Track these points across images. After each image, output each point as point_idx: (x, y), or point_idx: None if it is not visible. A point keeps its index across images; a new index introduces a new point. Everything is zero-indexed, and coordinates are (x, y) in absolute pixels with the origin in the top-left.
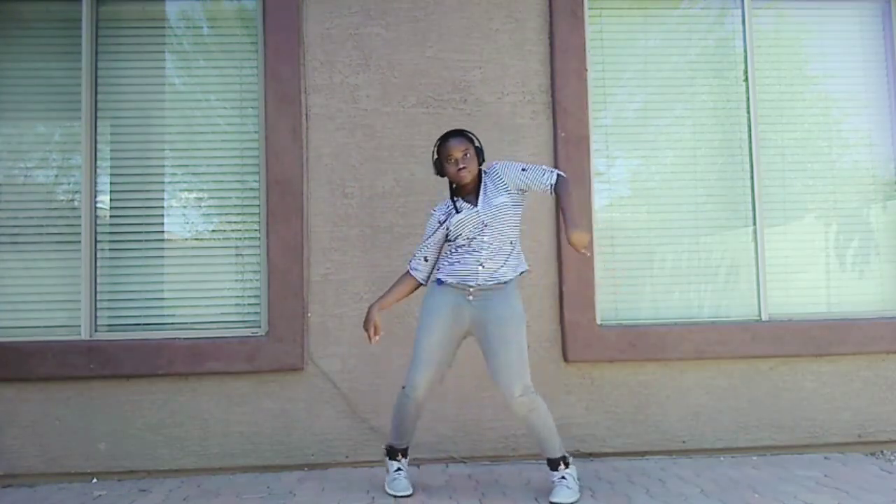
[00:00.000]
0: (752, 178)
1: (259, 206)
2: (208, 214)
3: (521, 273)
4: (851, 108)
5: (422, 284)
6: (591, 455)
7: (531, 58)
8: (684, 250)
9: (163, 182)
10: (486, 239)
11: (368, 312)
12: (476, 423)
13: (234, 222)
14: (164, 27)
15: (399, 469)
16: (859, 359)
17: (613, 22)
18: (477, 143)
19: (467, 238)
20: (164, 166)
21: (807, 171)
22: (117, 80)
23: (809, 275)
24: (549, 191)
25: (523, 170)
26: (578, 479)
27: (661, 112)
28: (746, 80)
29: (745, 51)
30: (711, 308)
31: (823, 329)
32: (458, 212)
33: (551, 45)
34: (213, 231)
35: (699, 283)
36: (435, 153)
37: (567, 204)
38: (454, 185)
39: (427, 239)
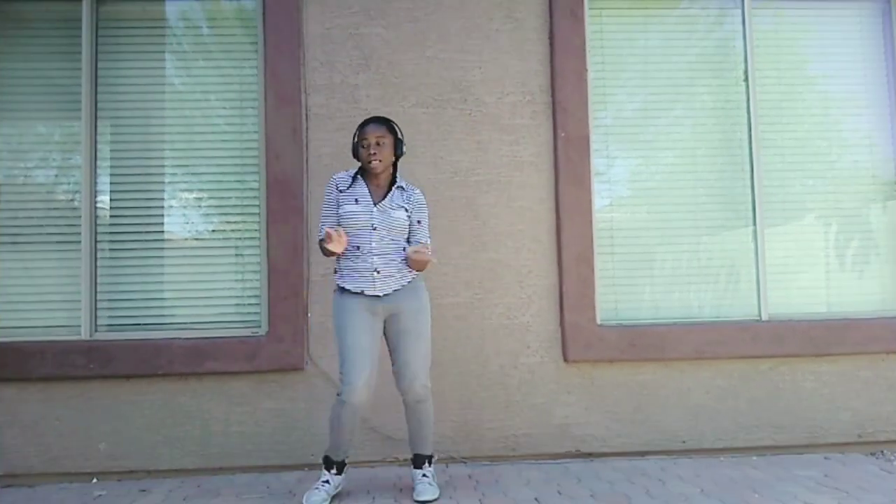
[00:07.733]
0: (752, 178)
1: (259, 206)
2: (208, 214)
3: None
4: (851, 108)
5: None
6: (591, 455)
7: (531, 58)
8: (684, 250)
9: (163, 182)
10: (374, 244)
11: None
12: (476, 423)
13: (234, 222)
14: (164, 27)
15: (326, 482)
16: (859, 359)
17: (613, 22)
18: (399, 135)
19: (355, 234)
20: (164, 166)
21: (807, 171)
22: (117, 80)
23: (809, 275)
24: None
25: (419, 222)
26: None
27: (661, 112)
28: (746, 80)
29: (745, 51)
30: (711, 308)
31: (823, 329)
32: (355, 202)
33: (551, 45)
34: (213, 231)
35: (699, 283)
36: (356, 136)
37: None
38: (365, 170)
39: (327, 209)
